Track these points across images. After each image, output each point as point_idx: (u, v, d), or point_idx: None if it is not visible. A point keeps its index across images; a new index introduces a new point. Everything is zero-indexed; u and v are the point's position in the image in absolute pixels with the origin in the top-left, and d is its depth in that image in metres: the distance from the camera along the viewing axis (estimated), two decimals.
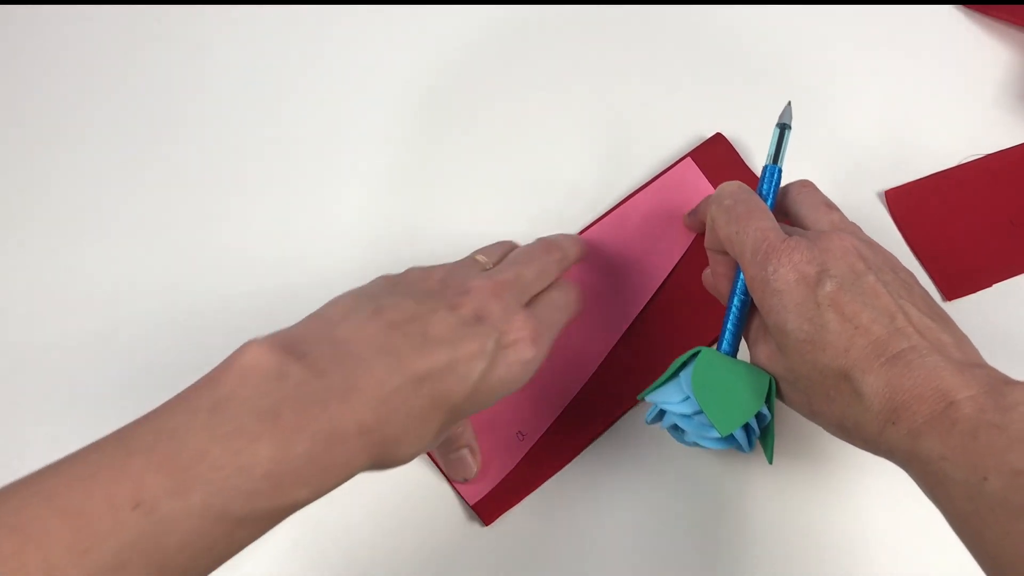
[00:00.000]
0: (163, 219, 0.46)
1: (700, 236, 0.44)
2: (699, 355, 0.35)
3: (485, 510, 0.41)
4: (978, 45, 0.49)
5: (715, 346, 0.37)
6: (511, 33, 0.50)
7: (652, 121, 0.48)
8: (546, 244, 0.38)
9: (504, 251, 0.39)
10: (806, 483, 0.42)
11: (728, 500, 0.41)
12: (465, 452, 0.40)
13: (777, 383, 0.35)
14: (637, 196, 0.45)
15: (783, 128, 0.39)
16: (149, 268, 0.45)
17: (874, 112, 0.48)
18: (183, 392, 0.28)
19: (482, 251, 0.39)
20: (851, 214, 0.37)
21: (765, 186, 0.38)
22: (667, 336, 0.43)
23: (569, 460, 0.42)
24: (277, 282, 0.45)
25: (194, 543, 0.25)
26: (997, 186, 0.46)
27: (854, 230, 0.36)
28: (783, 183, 0.39)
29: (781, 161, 0.39)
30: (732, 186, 0.36)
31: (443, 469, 0.41)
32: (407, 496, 0.41)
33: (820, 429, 0.42)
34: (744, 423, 0.33)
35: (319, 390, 0.28)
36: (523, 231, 0.45)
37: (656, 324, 0.44)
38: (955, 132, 0.47)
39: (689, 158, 0.46)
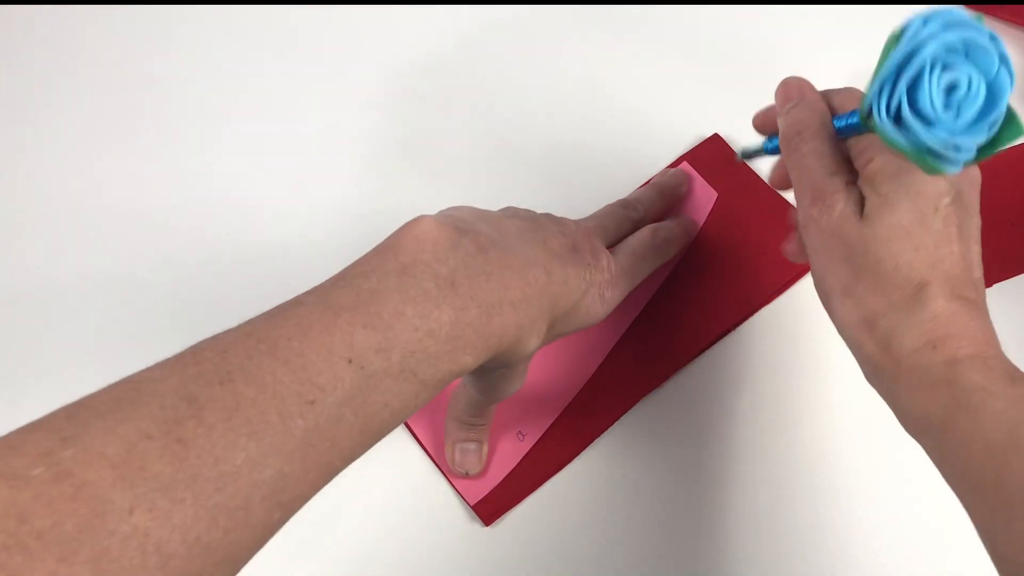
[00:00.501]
0: (160, 205, 0.47)
1: (700, 237, 0.44)
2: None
3: (485, 510, 0.41)
4: None
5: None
6: (509, 33, 0.50)
7: (650, 121, 0.48)
8: (624, 202, 0.42)
9: None
10: (806, 483, 0.42)
11: (728, 500, 0.41)
12: (475, 445, 0.40)
13: (828, 244, 0.32)
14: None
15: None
16: (144, 257, 0.46)
17: None
18: (367, 257, 0.29)
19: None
20: None
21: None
22: (668, 336, 0.43)
23: (569, 460, 0.42)
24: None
25: (393, 401, 0.27)
26: (997, 186, 0.46)
27: None
28: None
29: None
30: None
31: (446, 462, 0.41)
32: (407, 496, 0.42)
33: (819, 429, 0.42)
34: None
35: (484, 263, 0.30)
36: None
37: (656, 324, 0.44)
38: None
39: (685, 160, 0.46)
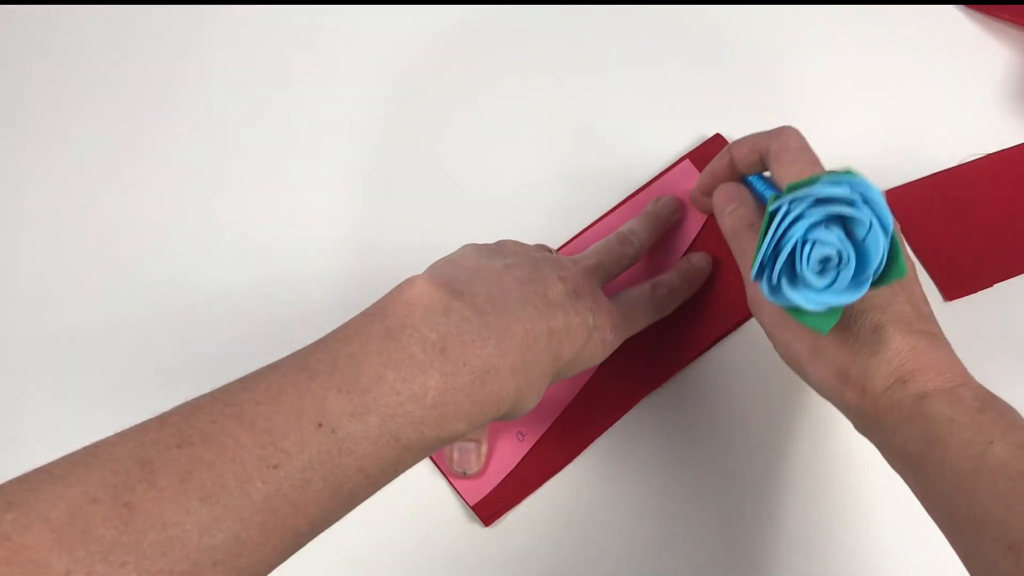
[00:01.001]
0: (149, 217, 0.46)
1: (700, 235, 0.44)
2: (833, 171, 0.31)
3: (485, 511, 0.41)
4: (978, 45, 0.49)
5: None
6: (509, 33, 0.50)
7: (652, 121, 0.48)
8: (621, 238, 0.41)
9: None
10: (806, 481, 0.42)
11: (728, 500, 0.41)
12: (474, 445, 0.40)
13: (788, 319, 0.34)
14: (637, 196, 0.45)
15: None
16: (138, 264, 0.45)
17: (874, 112, 0.48)
18: (352, 321, 0.29)
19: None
20: None
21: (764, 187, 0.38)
22: (668, 337, 0.43)
23: (569, 461, 0.42)
24: (263, 277, 0.45)
25: (368, 466, 0.26)
26: (997, 186, 0.46)
27: None
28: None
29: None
30: (797, 132, 0.37)
31: (445, 462, 0.41)
32: (407, 496, 0.41)
33: (819, 429, 0.42)
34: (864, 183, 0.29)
35: (479, 328, 0.29)
36: (522, 232, 0.45)
37: (657, 325, 0.43)
38: (955, 132, 0.47)
39: (687, 160, 0.46)
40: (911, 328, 0.32)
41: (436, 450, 0.29)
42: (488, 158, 0.47)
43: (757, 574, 0.41)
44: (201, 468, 0.23)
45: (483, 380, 0.29)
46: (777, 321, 0.35)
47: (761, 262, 0.31)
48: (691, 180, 0.45)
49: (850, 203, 0.29)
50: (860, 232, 0.30)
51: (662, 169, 0.46)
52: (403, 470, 0.28)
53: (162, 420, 0.24)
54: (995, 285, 0.45)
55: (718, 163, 0.39)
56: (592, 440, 0.42)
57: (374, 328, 0.28)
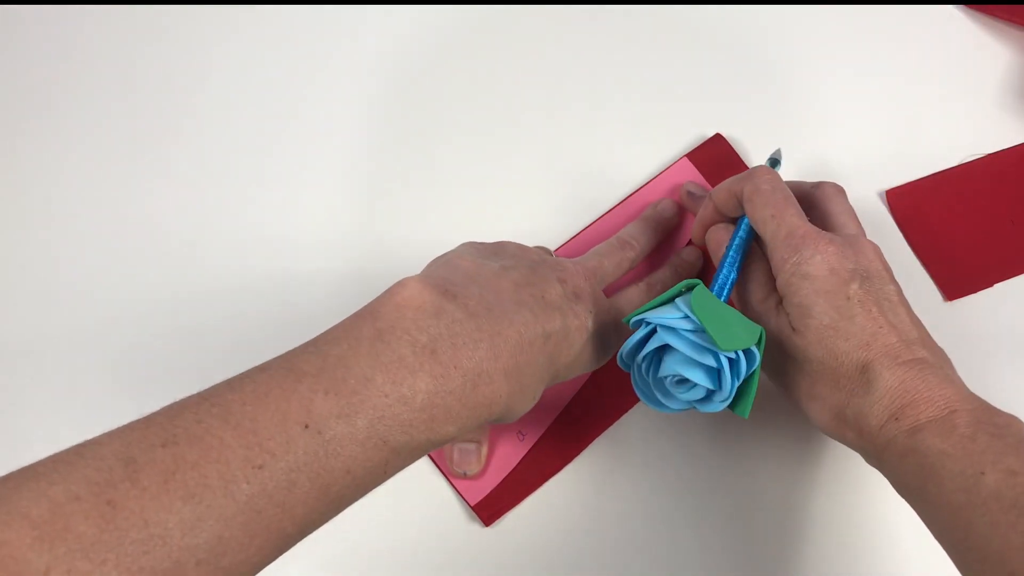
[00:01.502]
0: (145, 215, 0.46)
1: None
2: (698, 286, 0.34)
3: (485, 511, 0.41)
4: (978, 45, 0.49)
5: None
6: (509, 33, 0.50)
7: (652, 121, 0.48)
8: (621, 242, 0.41)
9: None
10: (806, 480, 0.42)
11: (728, 500, 0.41)
12: (474, 446, 0.40)
13: (780, 363, 0.35)
14: (635, 195, 0.45)
15: (773, 164, 0.40)
16: (134, 267, 0.45)
17: (874, 112, 0.48)
18: (343, 323, 0.29)
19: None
20: None
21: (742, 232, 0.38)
22: None
23: (569, 460, 0.42)
24: (262, 277, 0.45)
25: (355, 468, 0.26)
26: (997, 186, 0.46)
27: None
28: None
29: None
30: (769, 172, 0.37)
31: (445, 462, 0.41)
32: (407, 496, 0.41)
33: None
34: (744, 347, 0.32)
35: (471, 331, 0.29)
36: (522, 232, 0.45)
37: None
38: (955, 132, 0.47)
39: (685, 158, 0.46)
40: (897, 361, 0.32)
41: (425, 453, 0.29)
42: (488, 158, 0.47)
43: (758, 573, 0.40)
44: (185, 467, 0.23)
45: (474, 383, 0.28)
46: (772, 368, 0.36)
47: (624, 359, 0.35)
48: (688, 178, 0.45)
49: (715, 355, 0.33)
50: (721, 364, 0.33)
51: (662, 170, 0.46)
52: (392, 472, 0.28)
53: (148, 420, 0.24)
54: (995, 285, 0.45)
55: (704, 212, 0.40)
56: (592, 440, 0.42)
57: (364, 330, 0.28)
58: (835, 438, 0.34)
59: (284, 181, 0.47)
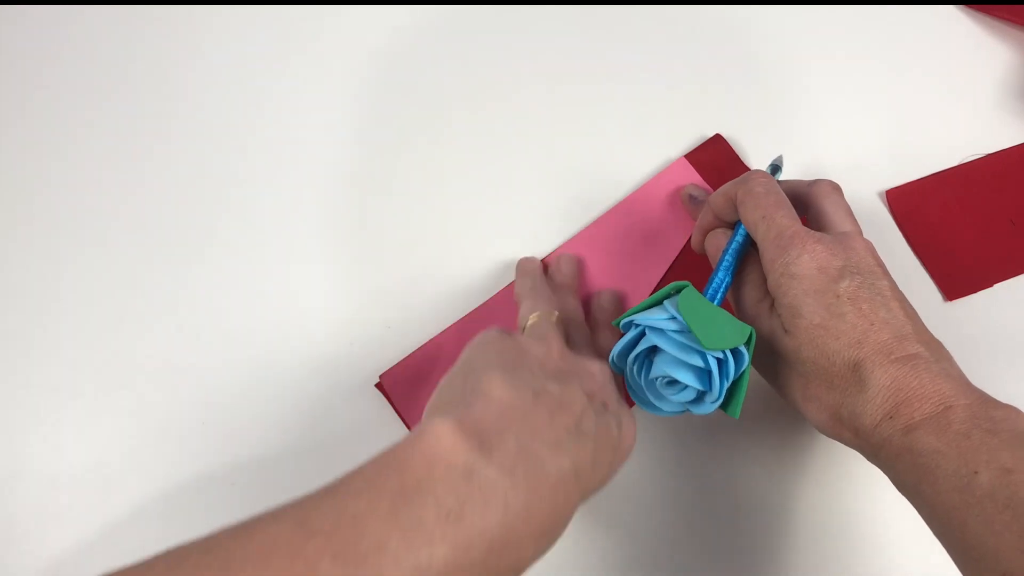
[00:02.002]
0: (140, 218, 0.47)
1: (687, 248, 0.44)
2: (686, 288, 0.34)
3: None
4: (978, 45, 0.49)
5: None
6: (509, 33, 0.50)
7: (652, 122, 0.48)
8: (555, 290, 0.41)
9: (532, 282, 0.41)
10: (805, 479, 0.42)
11: (728, 499, 0.41)
12: None
13: (775, 365, 0.35)
14: (634, 195, 0.45)
15: (774, 171, 0.40)
16: (140, 264, 0.46)
17: (874, 112, 0.48)
18: (367, 470, 0.27)
19: (531, 302, 0.39)
20: None
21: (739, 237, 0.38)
22: None
23: None
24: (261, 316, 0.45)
25: None
26: (997, 186, 0.46)
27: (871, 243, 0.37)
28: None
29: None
30: (764, 176, 0.37)
31: None
32: None
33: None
34: (730, 347, 0.32)
35: (505, 490, 0.27)
36: (522, 232, 0.45)
37: None
38: (955, 132, 0.47)
39: (684, 158, 0.46)
40: (890, 358, 0.32)
41: None
42: (486, 158, 0.47)
43: (758, 572, 0.40)
44: None
45: (500, 552, 0.26)
46: (767, 370, 0.36)
47: (617, 363, 0.35)
48: (687, 178, 0.45)
49: (704, 358, 0.33)
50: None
51: (661, 170, 0.46)
52: None
53: (149, 567, 0.24)
54: (995, 285, 0.45)
55: (704, 218, 0.40)
56: None
57: (389, 483, 0.26)
58: (834, 438, 0.34)
59: (280, 184, 0.47)
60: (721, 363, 0.33)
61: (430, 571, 0.25)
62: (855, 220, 0.38)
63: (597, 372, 0.34)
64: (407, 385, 0.42)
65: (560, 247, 0.45)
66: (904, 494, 0.32)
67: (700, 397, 0.34)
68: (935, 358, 0.32)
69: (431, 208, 0.46)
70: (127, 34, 0.50)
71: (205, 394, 0.42)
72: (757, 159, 0.46)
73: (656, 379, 0.34)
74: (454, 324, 0.43)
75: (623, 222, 0.45)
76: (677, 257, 0.44)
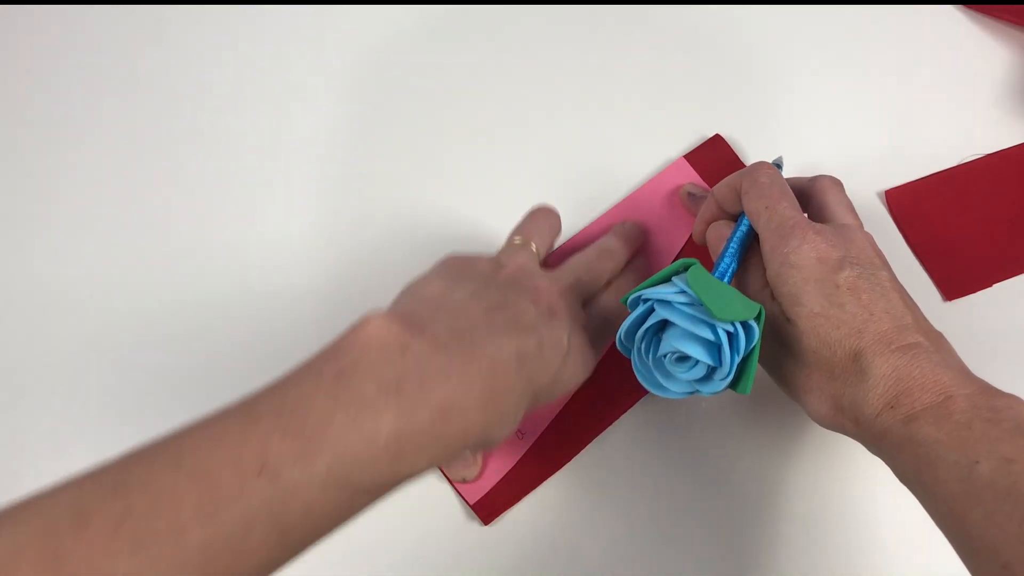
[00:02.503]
0: (127, 218, 0.47)
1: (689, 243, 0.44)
2: (694, 264, 0.34)
3: (484, 510, 0.41)
4: (978, 45, 0.49)
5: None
6: (509, 33, 0.50)
7: (651, 122, 0.48)
8: (599, 252, 0.41)
9: (538, 223, 0.41)
10: (805, 479, 0.42)
11: (728, 499, 0.41)
12: (467, 452, 0.40)
13: (776, 355, 0.35)
14: (633, 195, 0.46)
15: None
16: (130, 268, 0.46)
17: (874, 112, 0.48)
18: (307, 361, 0.28)
19: (522, 231, 0.41)
20: None
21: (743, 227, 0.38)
22: None
23: (568, 460, 0.42)
24: (243, 279, 0.45)
25: (316, 510, 0.26)
26: (997, 186, 0.46)
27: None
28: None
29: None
30: (768, 167, 0.37)
31: (443, 466, 0.41)
32: (406, 495, 0.41)
33: (820, 428, 0.42)
34: (742, 319, 0.32)
35: (441, 364, 0.28)
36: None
37: None
38: (955, 132, 0.47)
39: (683, 158, 0.46)
40: (890, 347, 0.32)
41: (398, 488, 0.28)
42: (486, 158, 0.47)
43: (758, 572, 0.40)
44: (134, 516, 0.23)
45: (445, 417, 0.28)
46: (769, 361, 0.36)
47: (625, 344, 0.35)
48: (686, 178, 0.45)
49: (713, 329, 0.32)
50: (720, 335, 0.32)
51: (660, 171, 0.46)
52: (362, 509, 0.27)
53: (103, 468, 0.24)
54: (995, 285, 0.44)
55: (706, 209, 0.40)
56: (592, 439, 0.42)
57: (325, 369, 0.27)
58: (834, 429, 0.34)
59: (273, 184, 0.47)
60: (731, 337, 0.32)
61: (377, 441, 0.26)
62: (856, 214, 0.38)
63: (546, 286, 0.35)
64: None
65: (560, 247, 0.45)
66: (905, 484, 0.32)
67: (709, 375, 0.33)
68: (935, 348, 0.32)
69: (430, 209, 0.47)
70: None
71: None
72: (757, 159, 0.46)
73: (665, 356, 0.34)
74: None
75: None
76: (676, 257, 0.44)
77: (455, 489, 0.41)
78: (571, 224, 0.45)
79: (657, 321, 0.34)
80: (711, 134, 0.47)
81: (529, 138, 0.48)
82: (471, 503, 0.41)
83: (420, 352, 0.28)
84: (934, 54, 0.49)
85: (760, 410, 0.43)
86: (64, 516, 0.22)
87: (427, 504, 0.41)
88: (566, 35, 0.50)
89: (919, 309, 0.34)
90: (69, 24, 0.51)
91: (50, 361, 0.44)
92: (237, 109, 0.49)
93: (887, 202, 0.46)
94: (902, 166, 0.46)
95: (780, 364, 0.35)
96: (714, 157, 0.46)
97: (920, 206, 0.46)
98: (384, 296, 0.44)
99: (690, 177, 0.46)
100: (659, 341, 0.34)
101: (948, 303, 0.44)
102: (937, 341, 0.33)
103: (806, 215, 0.36)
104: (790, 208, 0.35)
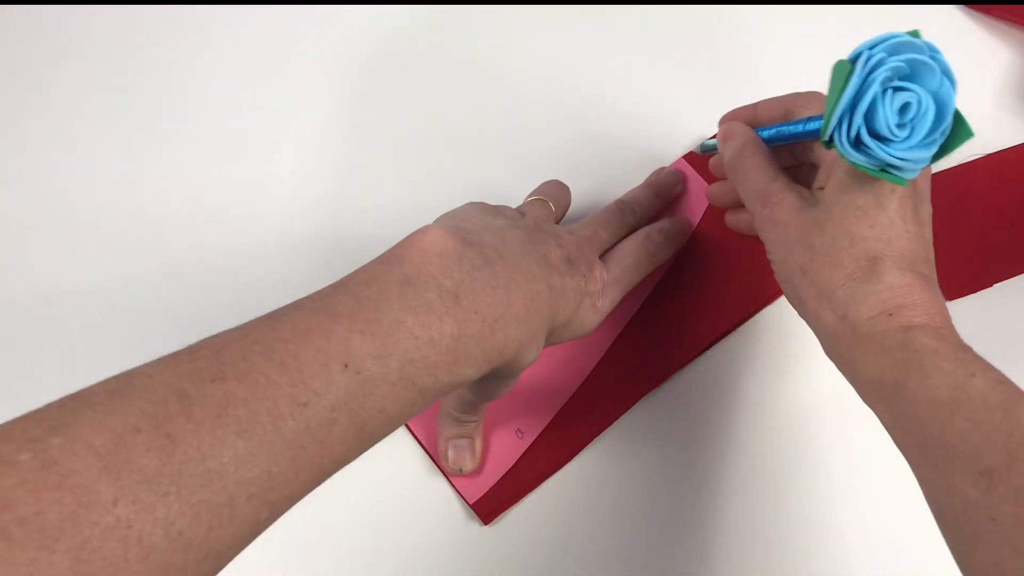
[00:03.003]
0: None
1: (700, 236, 0.44)
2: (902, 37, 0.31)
3: (484, 509, 0.41)
4: (978, 45, 0.49)
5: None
6: (509, 33, 0.50)
7: (650, 121, 0.48)
8: (622, 207, 0.42)
9: (554, 187, 0.42)
10: (805, 482, 0.42)
11: (727, 500, 0.41)
12: (467, 441, 0.40)
13: (781, 233, 0.34)
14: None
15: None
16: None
17: None
18: (369, 267, 0.29)
19: (539, 193, 0.42)
20: None
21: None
22: (667, 331, 0.43)
23: (569, 458, 0.42)
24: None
25: (388, 408, 0.27)
26: (997, 186, 0.46)
27: None
28: None
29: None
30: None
31: (440, 457, 0.41)
32: (406, 495, 0.41)
33: (819, 429, 0.42)
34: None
35: (488, 277, 0.30)
36: None
37: (657, 323, 0.44)
38: None
39: (683, 159, 0.46)
40: (910, 267, 0.32)
41: (445, 395, 0.30)
42: (482, 157, 0.47)
43: (756, 572, 0.40)
44: (236, 403, 0.23)
45: (492, 328, 0.30)
46: (775, 238, 0.35)
47: (840, 114, 0.30)
48: (687, 177, 0.45)
49: (926, 53, 0.30)
50: (931, 86, 0.30)
51: (655, 169, 0.46)
52: (417, 412, 0.29)
53: (193, 353, 0.24)
54: (995, 285, 0.44)
55: (741, 111, 0.40)
56: (592, 438, 0.42)
57: (392, 274, 0.29)
58: (810, 317, 0.33)
59: (272, 183, 0.47)
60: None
61: (440, 344, 0.28)
62: None
63: (567, 236, 0.36)
64: None
65: None
66: (870, 392, 0.31)
67: (933, 129, 0.30)
68: (941, 295, 0.33)
69: (429, 211, 0.46)
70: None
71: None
72: None
73: (891, 106, 0.30)
74: None
75: None
76: (676, 257, 0.44)
77: (455, 489, 0.41)
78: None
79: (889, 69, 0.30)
80: (711, 134, 0.47)
81: (528, 138, 0.48)
82: (471, 502, 0.41)
83: (473, 264, 0.30)
84: None
85: (761, 410, 0.43)
86: (170, 399, 0.22)
87: (427, 504, 0.41)
88: (565, 35, 0.50)
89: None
90: (68, 24, 0.50)
91: (47, 361, 0.44)
92: (237, 108, 0.49)
93: None
94: None
95: (785, 245, 0.34)
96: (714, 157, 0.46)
97: None
98: None
99: (690, 177, 0.46)
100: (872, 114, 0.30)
101: (948, 303, 0.44)
102: (940, 291, 0.33)
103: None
104: None
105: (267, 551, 0.40)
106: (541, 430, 0.42)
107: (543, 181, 0.43)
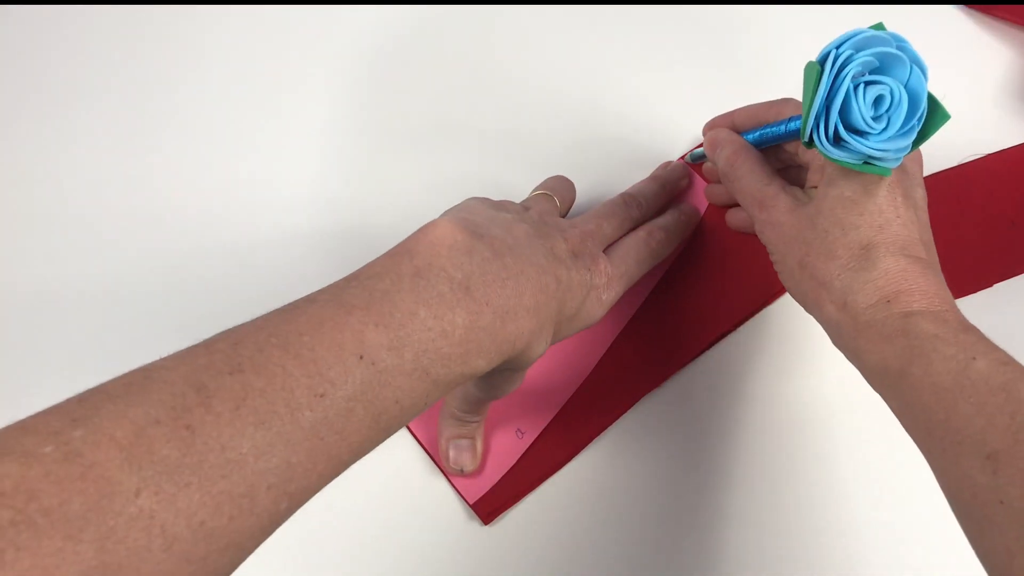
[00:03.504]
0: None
1: (701, 235, 0.44)
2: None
3: (484, 509, 0.41)
4: (978, 45, 0.49)
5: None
6: (510, 33, 0.50)
7: (651, 121, 0.48)
8: (627, 200, 0.42)
9: (558, 182, 0.43)
10: (805, 482, 0.42)
11: (727, 500, 0.41)
12: (468, 442, 0.40)
13: (779, 234, 0.35)
14: None
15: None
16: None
17: None
18: (380, 260, 0.30)
19: (544, 187, 0.42)
20: None
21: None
22: (667, 331, 0.43)
23: (568, 459, 0.42)
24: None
25: (403, 399, 0.27)
26: (997, 186, 0.46)
27: None
28: None
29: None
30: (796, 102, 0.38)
31: (441, 457, 0.41)
32: (406, 495, 0.41)
33: (819, 429, 0.42)
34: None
35: (499, 269, 0.30)
36: None
37: (656, 319, 0.44)
38: (955, 132, 0.47)
39: (682, 159, 0.46)
40: (904, 252, 0.32)
41: (457, 386, 0.30)
42: (482, 156, 0.47)
43: (756, 572, 0.40)
44: (254, 395, 0.23)
45: (503, 319, 0.30)
46: (774, 238, 0.35)
47: (816, 114, 0.31)
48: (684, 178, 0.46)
49: (892, 44, 0.31)
50: (901, 76, 0.31)
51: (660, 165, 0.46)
52: (431, 403, 0.29)
53: (209, 346, 0.25)
54: (995, 285, 0.44)
55: (720, 118, 0.41)
56: (592, 438, 0.42)
57: (403, 267, 0.29)
58: (813, 310, 0.34)
59: (273, 183, 0.47)
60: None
61: (453, 335, 0.28)
62: None
63: (571, 229, 0.37)
64: None
65: None
66: (877, 381, 0.32)
67: (908, 118, 0.31)
68: (941, 273, 0.33)
69: (435, 206, 0.46)
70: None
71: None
72: None
73: (865, 99, 0.31)
74: None
75: None
76: (677, 255, 0.44)
77: (455, 489, 0.41)
78: None
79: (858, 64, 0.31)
80: (698, 144, 0.46)
81: (528, 139, 0.48)
82: (471, 502, 0.41)
83: (483, 256, 0.30)
84: (934, 54, 0.48)
85: (761, 409, 0.43)
86: (188, 391, 0.23)
87: (427, 504, 0.41)
88: (565, 36, 0.50)
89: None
90: (68, 24, 0.50)
91: (54, 359, 0.44)
92: (237, 109, 0.49)
93: None
94: None
95: (783, 243, 0.35)
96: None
97: None
98: None
99: (690, 177, 0.46)
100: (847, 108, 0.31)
101: None
102: (939, 271, 0.33)
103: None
104: None
105: (267, 551, 0.40)
106: (541, 430, 0.42)
107: (548, 176, 0.43)
